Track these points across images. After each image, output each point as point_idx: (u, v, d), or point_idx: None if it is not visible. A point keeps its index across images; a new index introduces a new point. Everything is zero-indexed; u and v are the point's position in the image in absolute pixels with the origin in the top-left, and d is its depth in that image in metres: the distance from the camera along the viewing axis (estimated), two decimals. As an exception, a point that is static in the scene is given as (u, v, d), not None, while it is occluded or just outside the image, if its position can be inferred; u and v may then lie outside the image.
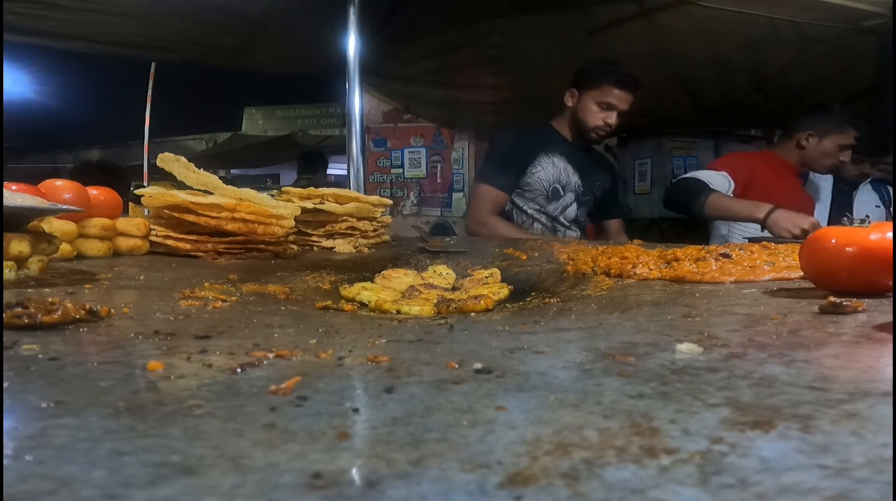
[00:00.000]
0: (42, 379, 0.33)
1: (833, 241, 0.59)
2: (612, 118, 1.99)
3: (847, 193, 2.46)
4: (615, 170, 2.38)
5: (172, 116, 5.52)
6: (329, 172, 5.08)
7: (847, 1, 1.98)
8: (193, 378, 0.34)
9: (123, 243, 1.05)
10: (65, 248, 0.93)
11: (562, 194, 2.07)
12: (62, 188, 1.01)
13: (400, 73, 3.35)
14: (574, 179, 2.06)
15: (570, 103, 2.05)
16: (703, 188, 1.98)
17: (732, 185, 2.11)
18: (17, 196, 0.72)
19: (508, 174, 2.04)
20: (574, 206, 2.09)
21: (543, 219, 2.07)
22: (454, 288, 0.96)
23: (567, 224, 2.10)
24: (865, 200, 2.43)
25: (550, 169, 2.04)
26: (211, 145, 7.10)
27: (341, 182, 4.26)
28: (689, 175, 2.16)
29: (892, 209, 2.47)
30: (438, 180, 4.88)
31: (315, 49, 2.73)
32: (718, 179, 2.08)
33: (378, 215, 1.47)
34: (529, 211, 2.05)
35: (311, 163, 4.40)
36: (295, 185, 2.30)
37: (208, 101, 7.26)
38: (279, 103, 7.56)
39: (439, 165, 4.87)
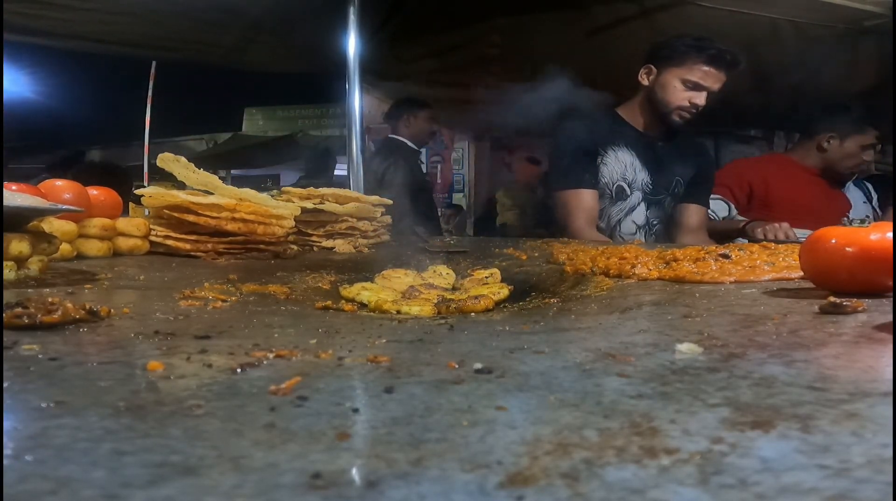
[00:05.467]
0: (42, 379, 0.33)
1: (833, 241, 0.59)
2: (701, 99, 1.69)
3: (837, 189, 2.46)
4: (708, 157, 1.97)
5: (173, 116, 5.53)
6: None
7: (847, 1, 1.98)
8: (193, 378, 0.34)
9: (123, 243, 1.05)
10: (65, 248, 0.93)
11: (628, 192, 1.79)
12: (62, 188, 1.01)
13: (400, 73, 3.35)
14: (642, 176, 1.79)
15: (645, 82, 1.76)
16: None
17: (733, 209, 2.11)
18: (17, 196, 0.72)
19: (586, 169, 1.75)
20: (642, 207, 1.82)
21: (602, 225, 1.80)
22: (454, 288, 0.96)
23: (633, 231, 1.82)
24: (854, 196, 2.44)
25: (614, 164, 1.77)
26: (211, 146, 7.10)
27: (341, 182, 4.25)
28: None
29: (876, 204, 2.47)
30: (438, 181, 4.89)
31: (315, 49, 2.73)
32: (715, 206, 2.08)
33: (378, 215, 1.47)
34: None
35: (317, 164, 4.36)
36: (296, 185, 2.29)
37: (208, 101, 7.26)
38: (279, 103, 7.56)
39: (439, 166, 4.88)
